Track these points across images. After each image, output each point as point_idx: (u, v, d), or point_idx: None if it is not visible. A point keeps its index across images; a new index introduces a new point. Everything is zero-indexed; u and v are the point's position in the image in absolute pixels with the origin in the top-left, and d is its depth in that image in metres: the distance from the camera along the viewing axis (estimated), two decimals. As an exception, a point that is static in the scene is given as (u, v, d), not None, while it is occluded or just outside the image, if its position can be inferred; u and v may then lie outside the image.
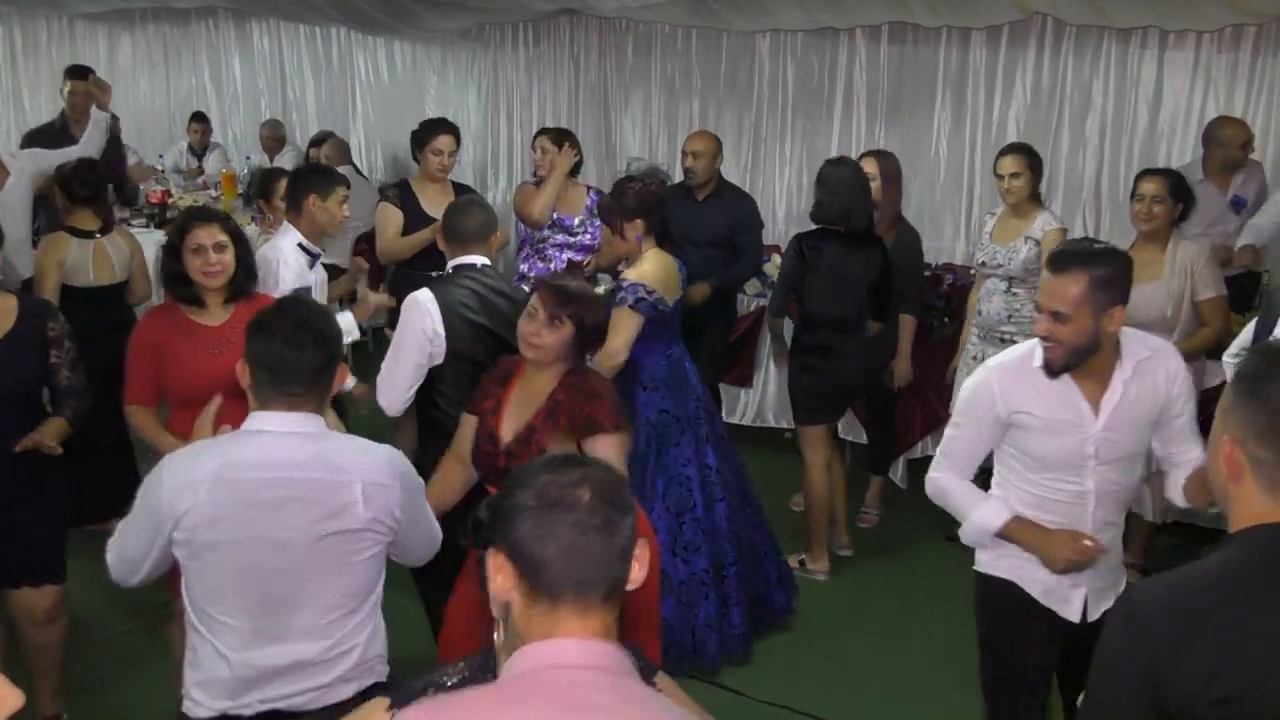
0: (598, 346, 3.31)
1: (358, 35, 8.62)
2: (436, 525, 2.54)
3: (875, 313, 4.81)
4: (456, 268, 3.71)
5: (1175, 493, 2.81)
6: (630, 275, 3.93)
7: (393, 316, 4.05)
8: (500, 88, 8.03)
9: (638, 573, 1.50)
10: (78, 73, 6.66)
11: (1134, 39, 5.79)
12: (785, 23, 6.47)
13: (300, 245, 4.11)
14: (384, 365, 3.56)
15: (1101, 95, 5.94)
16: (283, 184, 4.69)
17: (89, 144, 5.81)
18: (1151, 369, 2.73)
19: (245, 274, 3.44)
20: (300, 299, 2.57)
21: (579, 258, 5.37)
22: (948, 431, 2.92)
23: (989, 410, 2.76)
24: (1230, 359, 3.94)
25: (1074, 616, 2.81)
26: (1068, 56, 5.97)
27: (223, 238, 3.36)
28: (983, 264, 4.83)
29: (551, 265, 5.34)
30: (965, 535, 2.89)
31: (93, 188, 4.86)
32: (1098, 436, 2.70)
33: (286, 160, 7.89)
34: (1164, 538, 4.85)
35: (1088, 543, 2.69)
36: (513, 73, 7.95)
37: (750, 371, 6.11)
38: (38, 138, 6.54)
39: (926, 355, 5.22)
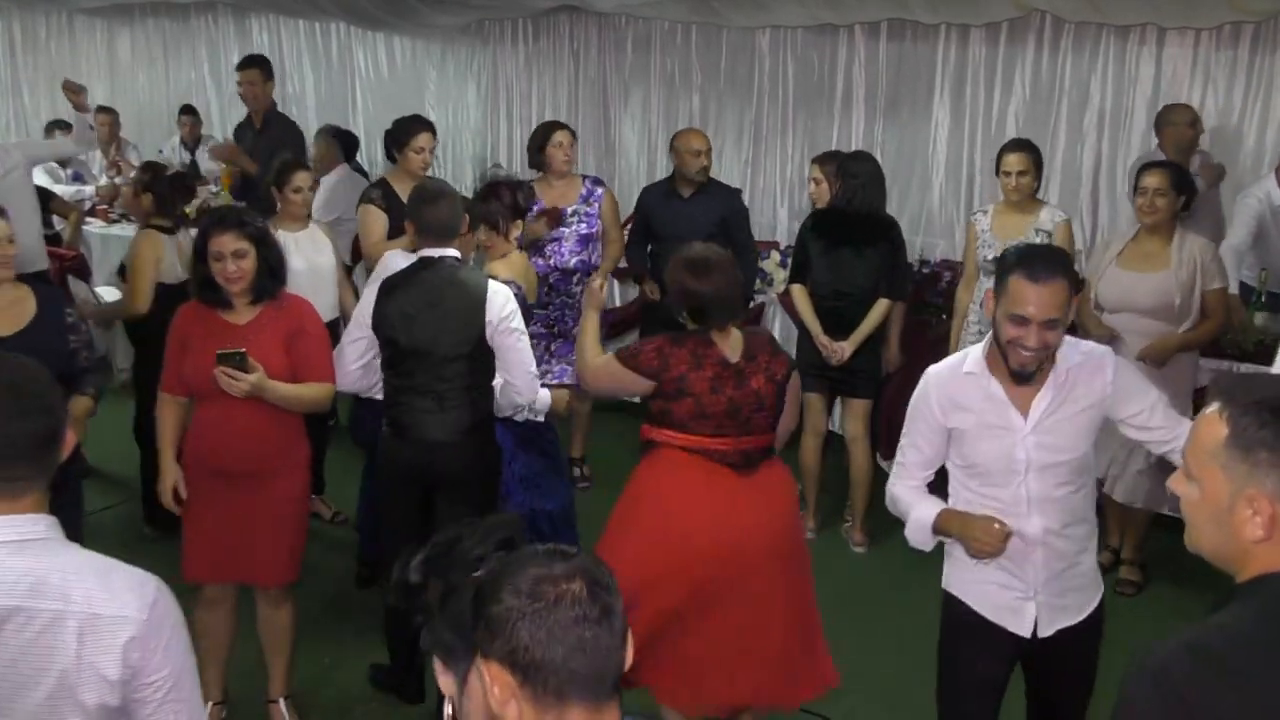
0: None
1: (357, 30, 8.62)
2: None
3: (886, 291, 4.90)
4: (420, 260, 3.64)
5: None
6: (503, 273, 4.01)
7: None
8: (500, 84, 8.04)
9: (629, 652, 1.39)
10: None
11: (1132, 36, 5.80)
12: (785, 19, 6.48)
13: None
14: (336, 349, 3.68)
15: (1100, 92, 5.95)
16: (298, 175, 4.74)
17: (79, 143, 5.94)
18: (1086, 374, 2.72)
19: (269, 275, 3.46)
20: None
21: (579, 249, 5.37)
22: (901, 441, 2.96)
23: (930, 417, 2.82)
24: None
25: (1024, 631, 2.82)
26: (1066, 53, 5.98)
27: (242, 244, 3.38)
28: (992, 260, 4.84)
29: (551, 260, 5.35)
30: (909, 536, 2.95)
31: (179, 199, 5.09)
32: (1028, 441, 2.70)
33: (286, 154, 7.87)
34: (1161, 534, 4.86)
35: (997, 526, 2.69)
36: (512, 69, 7.95)
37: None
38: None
39: (925, 351, 5.23)
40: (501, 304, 3.56)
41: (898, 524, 5.17)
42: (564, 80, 7.71)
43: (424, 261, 3.60)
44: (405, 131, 5.24)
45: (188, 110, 8.74)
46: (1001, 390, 2.71)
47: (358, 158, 8.04)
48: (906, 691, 3.99)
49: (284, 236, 4.76)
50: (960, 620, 2.93)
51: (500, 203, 4.15)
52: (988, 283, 4.91)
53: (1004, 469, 2.74)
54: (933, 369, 2.87)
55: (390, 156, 5.40)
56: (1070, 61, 5.98)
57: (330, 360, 3.58)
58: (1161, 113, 5.43)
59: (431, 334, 3.51)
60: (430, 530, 3.76)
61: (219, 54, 9.61)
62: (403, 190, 5.21)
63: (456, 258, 3.64)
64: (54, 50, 10.31)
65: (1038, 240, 4.74)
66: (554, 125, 5.57)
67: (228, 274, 3.37)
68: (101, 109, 8.76)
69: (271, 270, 3.48)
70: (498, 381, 3.71)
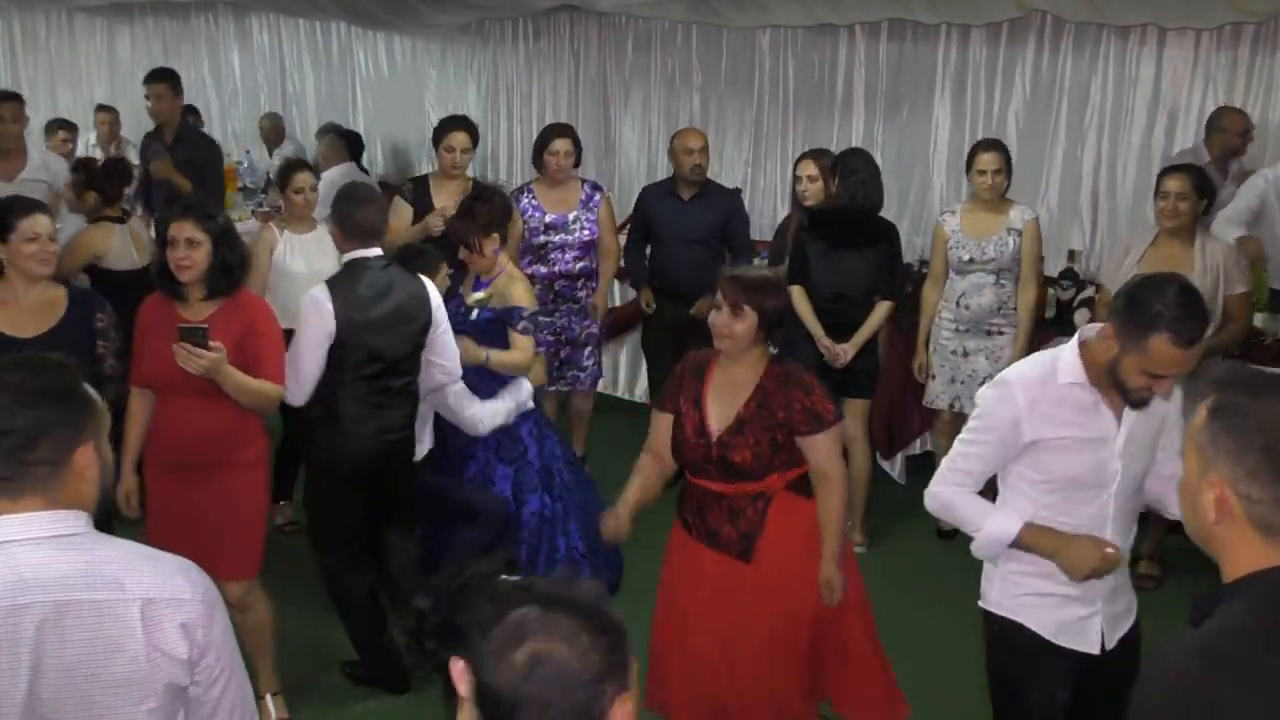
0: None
1: (357, 30, 8.62)
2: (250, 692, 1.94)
3: (886, 292, 4.89)
4: (353, 263, 3.73)
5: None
6: (522, 298, 4.21)
7: None
8: (500, 83, 8.03)
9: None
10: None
11: (1133, 36, 5.80)
12: (785, 19, 6.48)
13: None
14: (287, 359, 3.63)
15: (1100, 93, 5.95)
16: (298, 176, 4.76)
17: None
18: None
19: (223, 272, 3.45)
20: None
21: (581, 255, 5.37)
22: (958, 447, 2.75)
23: (1013, 427, 2.61)
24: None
25: (1094, 648, 2.69)
26: (1067, 54, 5.98)
27: (197, 234, 3.38)
28: (970, 261, 4.87)
29: (556, 267, 5.34)
30: (978, 549, 2.72)
31: (122, 183, 5.18)
32: (1123, 452, 2.59)
33: (286, 153, 7.91)
34: (1174, 538, 4.86)
35: (1110, 549, 2.56)
36: (512, 68, 7.95)
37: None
38: None
39: (905, 346, 5.24)
40: (438, 300, 3.85)
41: (897, 524, 5.25)
42: (564, 80, 7.71)
43: (360, 263, 3.71)
44: (440, 130, 5.41)
45: (189, 110, 8.73)
46: (1105, 402, 2.56)
47: (364, 159, 8.05)
48: (907, 690, 3.98)
49: (289, 237, 4.79)
50: (1017, 645, 2.73)
51: (473, 221, 4.17)
52: (960, 282, 4.93)
53: (1093, 483, 2.59)
54: (1017, 376, 2.65)
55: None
56: (1071, 62, 5.97)
57: (282, 363, 3.56)
58: (1215, 115, 5.39)
59: (392, 335, 3.71)
60: (372, 525, 3.87)
61: (219, 53, 9.62)
62: (437, 187, 5.33)
63: (381, 256, 3.79)
64: (54, 49, 10.32)
65: (1011, 239, 4.75)
66: (555, 132, 5.51)
67: (178, 260, 3.38)
68: (102, 108, 8.79)
69: (227, 268, 3.46)
70: (476, 410, 4.00)
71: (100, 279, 4.84)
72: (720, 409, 3.11)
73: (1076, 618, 2.67)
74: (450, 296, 4.26)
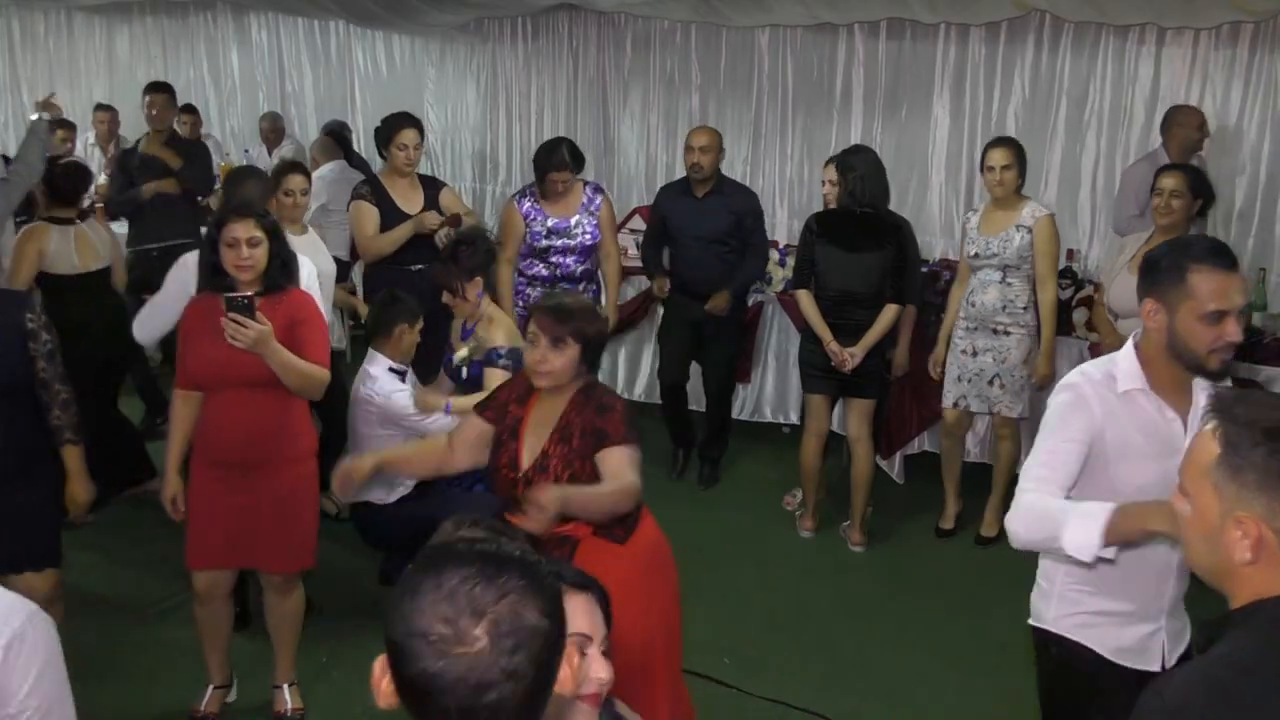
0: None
1: (356, 29, 8.62)
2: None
3: (894, 295, 4.86)
4: None
5: None
6: (500, 339, 4.09)
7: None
8: (499, 82, 8.04)
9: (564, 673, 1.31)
10: None
11: (1132, 36, 5.81)
12: (784, 18, 6.48)
13: (390, 369, 4.30)
14: (146, 309, 4.15)
15: (1099, 92, 5.96)
16: (287, 179, 4.75)
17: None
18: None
19: (279, 269, 3.49)
20: None
21: (583, 259, 5.36)
22: (1041, 457, 2.45)
23: (1088, 429, 2.40)
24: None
25: (1156, 665, 2.51)
26: (1066, 53, 5.99)
27: (257, 233, 3.41)
28: (975, 256, 4.87)
29: (557, 270, 5.33)
30: (1072, 541, 2.25)
31: (78, 186, 5.15)
32: None
33: (286, 153, 7.92)
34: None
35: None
36: (511, 67, 7.96)
37: (749, 366, 6.13)
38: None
39: (925, 351, 5.24)
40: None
41: (896, 524, 5.26)
42: (563, 79, 7.71)
43: None
44: (390, 128, 5.30)
45: (188, 109, 8.73)
46: (1169, 407, 2.39)
47: (361, 153, 8.05)
48: (906, 690, 4.00)
49: (290, 239, 4.79)
50: (1079, 667, 2.55)
51: (457, 265, 4.16)
52: (971, 279, 4.93)
53: (1162, 494, 2.34)
54: (1082, 382, 2.44)
55: (380, 154, 5.41)
56: (1070, 61, 5.98)
57: (327, 349, 3.59)
58: (1170, 114, 5.41)
59: None
60: None
61: (218, 52, 9.61)
62: (390, 186, 5.26)
63: None
64: (53, 48, 10.31)
65: (1019, 236, 4.75)
66: (554, 161, 5.24)
67: (240, 260, 3.38)
68: (101, 107, 8.78)
69: (284, 263, 3.50)
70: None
71: (41, 282, 4.83)
72: (531, 443, 2.98)
73: (1140, 636, 2.51)
74: (425, 355, 4.45)
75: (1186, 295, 2.29)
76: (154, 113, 6.50)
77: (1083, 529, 2.21)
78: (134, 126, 9.01)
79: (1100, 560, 2.27)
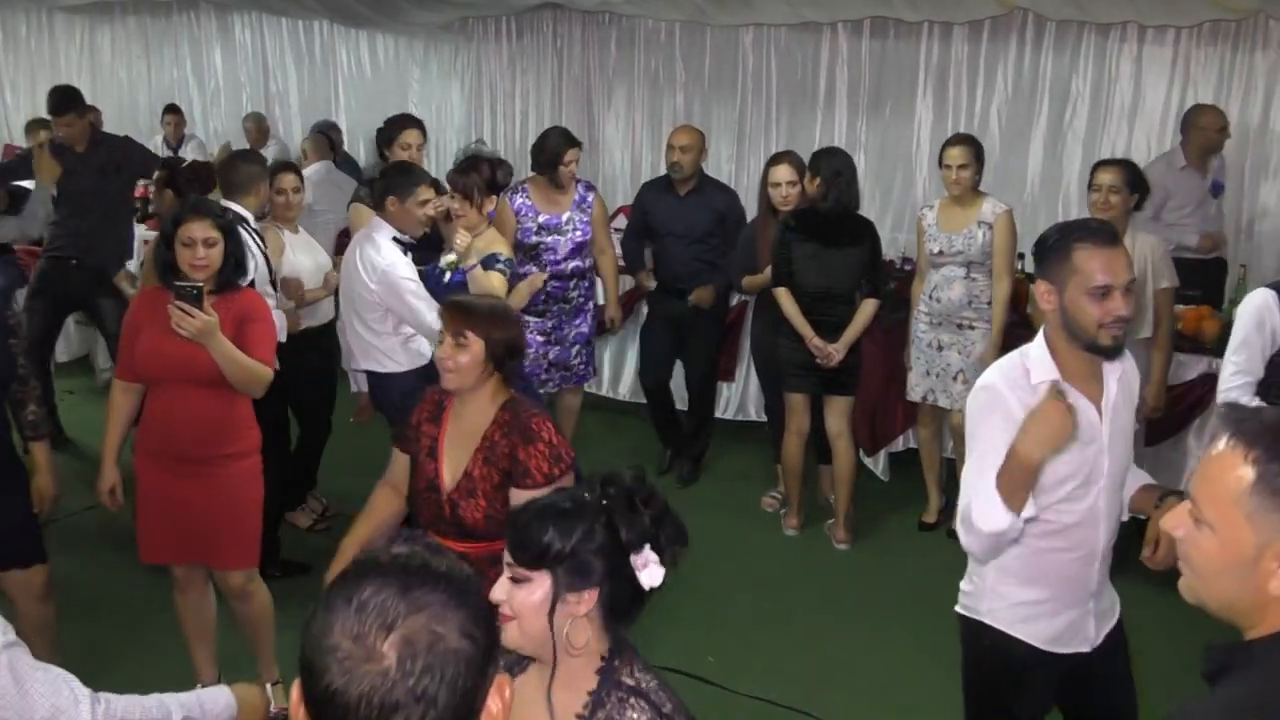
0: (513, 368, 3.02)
1: (340, 28, 8.61)
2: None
3: (870, 290, 4.89)
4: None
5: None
6: (499, 248, 4.37)
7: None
8: (483, 81, 8.04)
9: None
10: None
11: (1113, 34, 5.85)
12: (768, 17, 6.50)
13: (395, 239, 4.28)
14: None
15: (1081, 90, 5.98)
16: (280, 177, 4.75)
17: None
18: (1126, 365, 2.54)
19: (233, 268, 3.48)
20: None
21: (573, 255, 5.33)
22: (969, 467, 2.49)
23: (1005, 427, 2.36)
24: (1237, 383, 3.34)
25: (1087, 645, 2.57)
26: (1048, 51, 6.03)
27: (214, 234, 3.40)
28: (939, 253, 4.89)
29: (548, 268, 5.31)
30: (983, 520, 2.36)
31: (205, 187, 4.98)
32: (1108, 443, 2.47)
33: (272, 154, 7.89)
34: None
35: (1069, 404, 2.26)
36: (496, 67, 7.95)
37: (733, 365, 6.14)
38: None
39: (902, 347, 5.25)
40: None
41: (880, 520, 5.27)
42: (547, 78, 7.71)
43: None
44: (393, 128, 5.31)
45: (172, 110, 8.72)
46: (1083, 396, 2.40)
47: (348, 153, 8.04)
48: (890, 687, 4.01)
49: (288, 237, 4.79)
50: (1010, 659, 2.57)
51: (479, 176, 4.34)
52: (933, 275, 4.95)
53: (1085, 480, 2.44)
54: (997, 380, 2.46)
55: (381, 155, 5.40)
56: (1052, 59, 6.02)
57: (274, 349, 3.58)
58: (1189, 114, 5.42)
59: None
60: None
61: (201, 52, 9.58)
62: None
63: (246, 215, 4.23)
64: (34, 48, 10.26)
65: (980, 233, 4.78)
66: (566, 142, 5.26)
67: (195, 260, 3.37)
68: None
69: (237, 263, 3.50)
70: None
71: None
72: (453, 461, 2.88)
73: (1070, 620, 2.55)
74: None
75: (1073, 271, 2.36)
76: (68, 132, 5.83)
77: (982, 501, 2.33)
78: (116, 128, 8.97)
79: (1028, 522, 2.35)
